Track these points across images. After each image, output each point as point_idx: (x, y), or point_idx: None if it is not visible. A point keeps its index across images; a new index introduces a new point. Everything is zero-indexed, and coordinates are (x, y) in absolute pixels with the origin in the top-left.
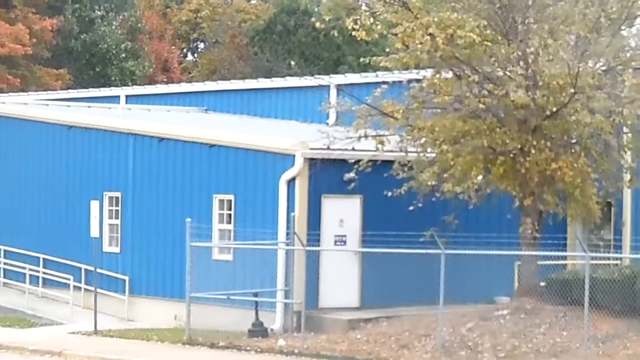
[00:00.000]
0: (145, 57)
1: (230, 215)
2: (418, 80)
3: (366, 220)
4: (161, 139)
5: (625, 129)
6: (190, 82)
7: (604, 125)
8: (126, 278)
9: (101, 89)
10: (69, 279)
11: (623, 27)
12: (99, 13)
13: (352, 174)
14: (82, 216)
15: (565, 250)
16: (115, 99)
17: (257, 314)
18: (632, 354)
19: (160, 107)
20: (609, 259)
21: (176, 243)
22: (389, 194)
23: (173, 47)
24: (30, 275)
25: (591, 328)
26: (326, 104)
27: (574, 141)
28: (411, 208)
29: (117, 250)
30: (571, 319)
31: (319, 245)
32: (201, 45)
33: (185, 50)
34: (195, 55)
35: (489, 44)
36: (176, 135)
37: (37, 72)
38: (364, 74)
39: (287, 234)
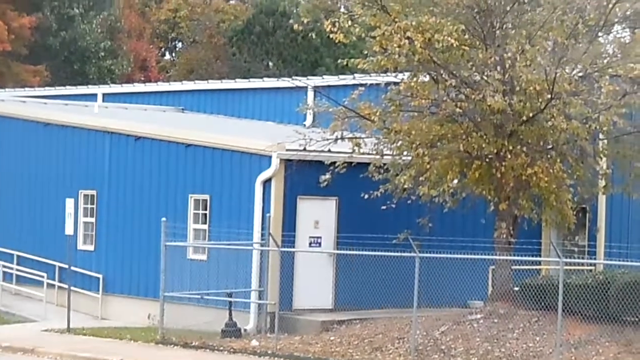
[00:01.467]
0: (124, 56)
1: (205, 215)
2: (396, 83)
3: (341, 222)
4: (137, 138)
5: (601, 136)
6: (167, 81)
7: (580, 132)
8: (100, 276)
9: (78, 87)
10: (43, 277)
11: (600, 34)
12: (77, 11)
13: (328, 176)
14: (57, 214)
15: (540, 256)
16: (92, 97)
17: (230, 314)
18: None
19: (137, 106)
20: (583, 264)
21: (151, 242)
22: (365, 196)
23: (151, 46)
24: (4, 272)
25: (564, 333)
26: (303, 106)
27: (549, 147)
28: (384, 207)
29: (91, 248)
30: (544, 324)
31: (294, 247)
32: (179, 45)
33: (163, 49)
34: (173, 54)
35: (467, 48)
36: (152, 135)
37: (15, 69)
38: (341, 76)
39: (262, 234)
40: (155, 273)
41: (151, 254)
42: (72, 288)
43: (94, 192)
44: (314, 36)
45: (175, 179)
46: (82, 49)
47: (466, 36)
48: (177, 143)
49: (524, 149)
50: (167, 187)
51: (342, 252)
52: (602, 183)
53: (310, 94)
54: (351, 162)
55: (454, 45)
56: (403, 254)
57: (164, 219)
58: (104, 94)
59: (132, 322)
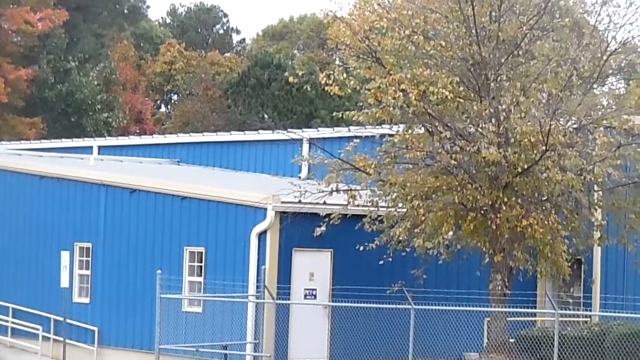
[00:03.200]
0: (120, 108)
1: (200, 267)
2: (390, 135)
3: (336, 274)
4: (133, 191)
5: (595, 187)
6: (163, 133)
7: (574, 183)
8: (95, 329)
9: (74, 139)
10: (38, 329)
11: (595, 86)
12: (73, 64)
13: (323, 228)
14: (52, 266)
15: (535, 307)
16: (88, 149)
17: None
18: None
19: (132, 158)
20: (578, 316)
21: (146, 294)
22: (360, 248)
23: (147, 99)
24: None
25: None
26: (298, 157)
27: (544, 198)
28: (381, 262)
29: (87, 300)
30: None
31: (289, 299)
32: (175, 97)
33: (158, 101)
34: (169, 107)
35: (462, 100)
36: (148, 187)
37: (11, 121)
38: (336, 128)
39: (258, 287)
40: (151, 325)
41: (146, 306)
42: (67, 341)
43: (89, 245)
44: (309, 88)
45: (170, 231)
46: (79, 101)
47: (461, 88)
48: (173, 195)
49: (519, 200)
50: (163, 239)
51: (337, 304)
52: (597, 234)
53: (306, 146)
54: (346, 214)
55: (449, 97)
56: (398, 306)
57: (159, 271)
58: (99, 147)
59: None
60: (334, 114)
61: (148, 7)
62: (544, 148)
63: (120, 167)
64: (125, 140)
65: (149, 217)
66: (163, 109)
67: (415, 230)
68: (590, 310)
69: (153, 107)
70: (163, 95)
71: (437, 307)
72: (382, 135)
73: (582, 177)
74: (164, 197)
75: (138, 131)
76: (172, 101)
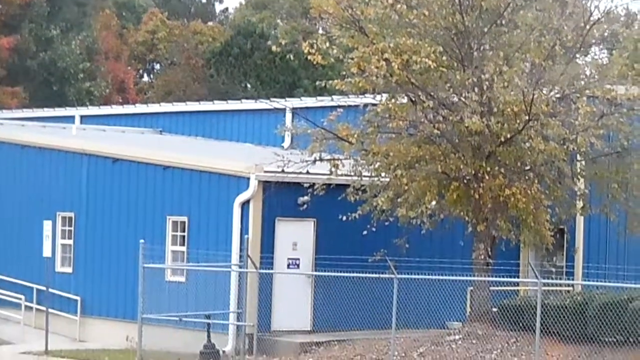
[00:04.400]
0: (102, 77)
1: (183, 237)
2: (373, 105)
3: (320, 244)
4: (115, 160)
5: (578, 157)
6: (145, 103)
7: (557, 153)
8: (78, 298)
9: (56, 108)
10: (20, 299)
11: (578, 56)
12: (55, 32)
13: (306, 197)
14: (34, 236)
15: (518, 277)
16: (70, 119)
17: (209, 336)
18: None
19: (115, 127)
20: (561, 285)
21: (129, 264)
22: (343, 217)
23: (129, 68)
24: None
25: (542, 354)
26: (281, 127)
27: (527, 168)
28: (364, 232)
29: (69, 270)
30: (523, 344)
31: (272, 268)
32: (157, 67)
33: (141, 71)
34: (151, 76)
35: (445, 70)
36: (130, 156)
37: None
38: (319, 98)
39: (241, 256)
40: (134, 295)
41: (129, 276)
42: (50, 310)
43: (71, 214)
44: (292, 58)
45: (153, 200)
46: (61, 70)
47: (444, 58)
48: (155, 165)
49: (502, 170)
50: (145, 209)
51: (320, 273)
52: (579, 204)
53: (289, 115)
54: (329, 184)
55: (432, 66)
56: (381, 275)
57: (142, 240)
58: (81, 116)
59: (110, 344)
60: (317, 83)
61: None
62: (527, 117)
63: (103, 136)
64: (108, 109)
65: (131, 187)
66: (146, 78)
67: (398, 199)
68: (573, 280)
69: (135, 76)
70: (145, 64)
71: (420, 277)
72: (365, 105)
73: (565, 147)
74: (147, 167)
75: (121, 100)
76: (155, 70)
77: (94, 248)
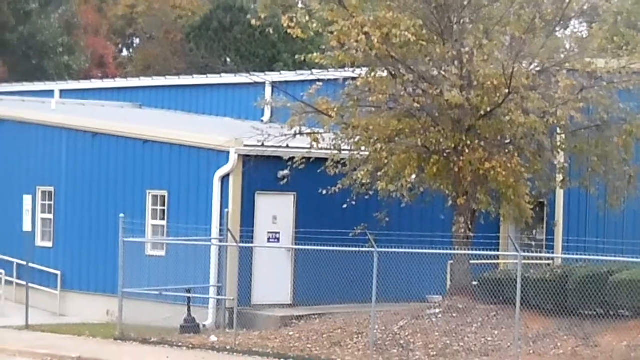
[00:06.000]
0: (82, 52)
1: (163, 211)
2: (353, 79)
3: (300, 218)
4: (95, 134)
5: (558, 130)
6: (125, 77)
7: (537, 126)
8: (58, 273)
9: (35, 83)
10: (0, 273)
11: (557, 29)
12: (34, 6)
13: (286, 171)
14: (14, 210)
15: (498, 250)
16: (49, 93)
17: (189, 310)
18: (562, 354)
19: (94, 102)
20: (541, 258)
21: (109, 238)
22: (323, 191)
23: (108, 43)
24: None
25: (522, 327)
26: (261, 101)
27: (507, 141)
28: (344, 206)
29: (49, 245)
30: (503, 318)
31: (252, 242)
32: (137, 41)
33: (120, 45)
34: (131, 50)
35: (424, 43)
36: (110, 131)
37: None
38: (299, 72)
39: (221, 230)
40: (114, 269)
41: (109, 250)
42: (31, 285)
43: (51, 189)
44: (271, 32)
45: (133, 175)
46: (40, 44)
47: (424, 31)
48: (135, 139)
49: (482, 143)
50: (125, 183)
51: (300, 247)
52: (559, 177)
53: (268, 89)
54: (309, 158)
55: (412, 40)
56: (361, 249)
57: (122, 215)
58: (61, 90)
59: (90, 318)
60: (297, 57)
61: None
62: (507, 91)
63: (82, 110)
64: (87, 84)
65: (111, 161)
66: (125, 52)
67: (378, 173)
68: (553, 253)
69: (115, 50)
70: (125, 38)
71: (400, 250)
72: (345, 79)
73: (545, 120)
74: (126, 141)
75: (100, 75)
76: (134, 45)
77: (74, 222)
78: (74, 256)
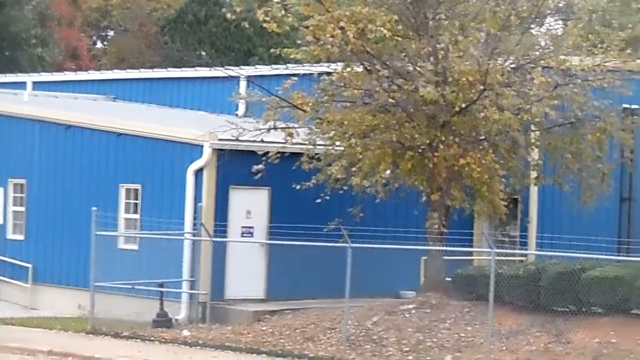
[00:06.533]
0: (55, 44)
1: (136, 204)
2: (328, 74)
3: (274, 212)
4: (68, 127)
5: (533, 127)
6: (99, 70)
7: (512, 123)
8: (30, 266)
9: (8, 74)
10: None
11: (533, 26)
12: None
13: (260, 166)
14: None
15: (472, 246)
16: (22, 85)
17: (162, 304)
18: (534, 350)
19: (67, 94)
20: (514, 255)
21: (81, 232)
22: (297, 186)
23: (82, 35)
24: None
25: (495, 323)
26: (236, 95)
27: (482, 137)
28: (318, 201)
29: (21, 237)
30: (476, 314)
31: (226, 237)
32: (111, 33)
33: (94, 37)
34: (105, 43)
35: (400, 38)
36: (83, 123)
37: None
38: (274, 66)
39: (194, 224)
40: (86, 263)
41: (82, 243)
42: (2, 278)
43: (23, 181)
44: (246, 25)
45: (106, 168)
46: (13, 35)
47: (399, 27)
48: (108, 132)
49: (457, 139)
50: (98, 177)
51: (274, 242)
52: (533, 174)
53: (243, 83)
54: (284, 152)
55: (387, 35)
56: (335, 244)
57: (94, 208)
58: (34, 82)
59: (62, 312)
60: (272, 51)
61: None
62: (482, 87)
63: (55, 103)
64: (61, 76)
65: (84, 154)
66: (99, 45)
67: (353, 168)
68: (527, 249)
69: (89, 43)
70: (99, 31)
71: (374, 246)
72: (320, 73)
73: (520, 117)
74: (100, 134)
75: (74, 67)
76: (108, 37)
77: (46, 215)
78: (46, 249)
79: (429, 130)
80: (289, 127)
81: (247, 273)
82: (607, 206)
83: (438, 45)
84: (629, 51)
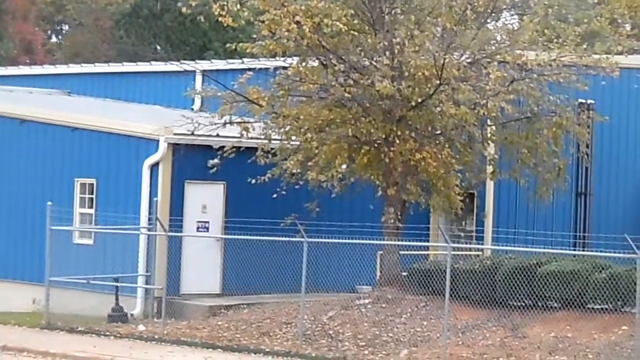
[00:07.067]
0: (9, 38)
1: (92, 199)
2: (284, 68)
3: (229, 207)
4: (22, 121)
5: (489, 122)
6: (54, 64)
7: (468, 117)
8: None
9: None
10: None
11: (489, 21)
12: None
13: (216, 160)
14: None
15: (428, 241)
16: None
17: (117, 299)
18: (490, 344)
19: (22, 88)
20: (470, 249)
21: (36, 226)
22: (253, 181)
23: (37, 29)
24: None
25: (451, 318)
26: (191, 90)
27: (438, 132)
28: (274, 195)
29: None
30: (432, 308)
31: (181, 231)
32: (66, 28)
33: (49, 32)
34: (60, 37)
35: (356, 33)
36: (38, 118)
37: None
38: (230, 61)
39: (150, 219)
40: (41, 257)
41: (36, 238)
42: None
43: None
44: (202, 20)
45: (61, 162)
46: None
47: (355, 21)
48: (63, 126)
49: (413, 134)
50: (53, 171)
51: (229, 236)
52: (489, 169)
53: (199, 78)
54: (239, 147)
55: (343, 30)
56: (291, 239)
57: (49, 202)
58: None
59: (16, 307)
60: (228, 45)
61: None
62: (437, 82)
63: (10, 97)
64: (15, 70)
65: (39, 148)
66: (54, 39)
67: (309, 163)
68: (483, 244)
69: (44, 37)
70: (54, 25)
71: (330, 240)
72: (276, 68)
73: (476, 112)
74: (55, 128)
75: (28, 61)
76: (63, 31)
77: (1, 210)
78: (0, 244)
79: (385, 125)
80: (244, 122)
81: (203, 268)
82: (562, 201)
83: (394, 40)
84: (584, 46)
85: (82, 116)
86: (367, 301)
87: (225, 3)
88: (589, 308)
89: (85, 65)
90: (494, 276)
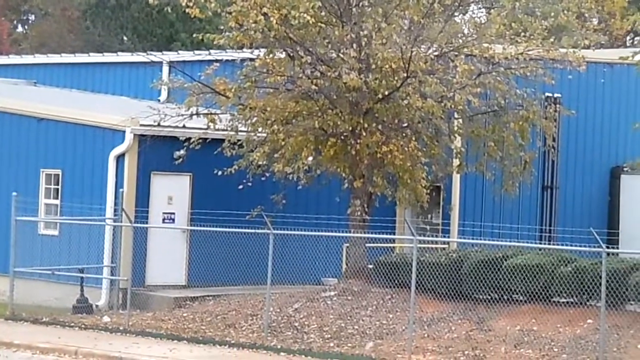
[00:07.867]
0: None
1: (57, 190)
2: (251, 60)
3: (196, 199)
4: None
5: (455, 115)
6: (19, 54)
7: (435, 110)
8: None
9: None
10: None
11: (456, 14)
12: None
13: (182, 152)
14: None
15: (394, 233)
16: None
17: (82, 290)
18: (456, 337)
19: None
20: (436, 242)
21: (1, 217)
22: (219, 172)
23: (2, 19)
24: None
25: (417, 311)
26: (158, 81)
27: (405, 125)
28: (240, 187)
29: None
30: (398, 301)
31: (147, 223)
32: (32, 18)
33: (15, 21)
34: (26, 27)
35: (323, 25)
36: (3, 108)
37: None
38: (197, 52)
39: (115, 210)
40: (5, 248)
41: (1, 229)
42: None
43: None
44: (169, 11)
45: (27, 153)
46: None
47: (322, 13)
48: (29, 117)
49: (379, 127)
50: (18, 162)
51: (195, 228)
52: (456, 162)
53: (165, 69)
54: (206, 138)
55: (310, 22)
56: (257, 231)
57: (14, 193)
58: None
59: None
60: (195, 37)
61: None
62: (404, 75)
63: None
64: None
65: (4, 139)
66: (20, 29)
67: (275, 155)
68: (449, 237)
69: (9, 27)
70: (20, 15)
71: (296, 232)
72: (243, 59)
73: (443, 104)
74: (20, 118)
75: None
76: (29, 21)
77: None
78: None
79: (352, 117)
80: (211, 113)
81: (168, 259)
82: (529, 194)
83: (361, 32)
84: (551, 40)
85: (48, 107)
86: (332, 293)
87: None
88: (554, 301)
89: (51, 55)
90: (459, 269)
